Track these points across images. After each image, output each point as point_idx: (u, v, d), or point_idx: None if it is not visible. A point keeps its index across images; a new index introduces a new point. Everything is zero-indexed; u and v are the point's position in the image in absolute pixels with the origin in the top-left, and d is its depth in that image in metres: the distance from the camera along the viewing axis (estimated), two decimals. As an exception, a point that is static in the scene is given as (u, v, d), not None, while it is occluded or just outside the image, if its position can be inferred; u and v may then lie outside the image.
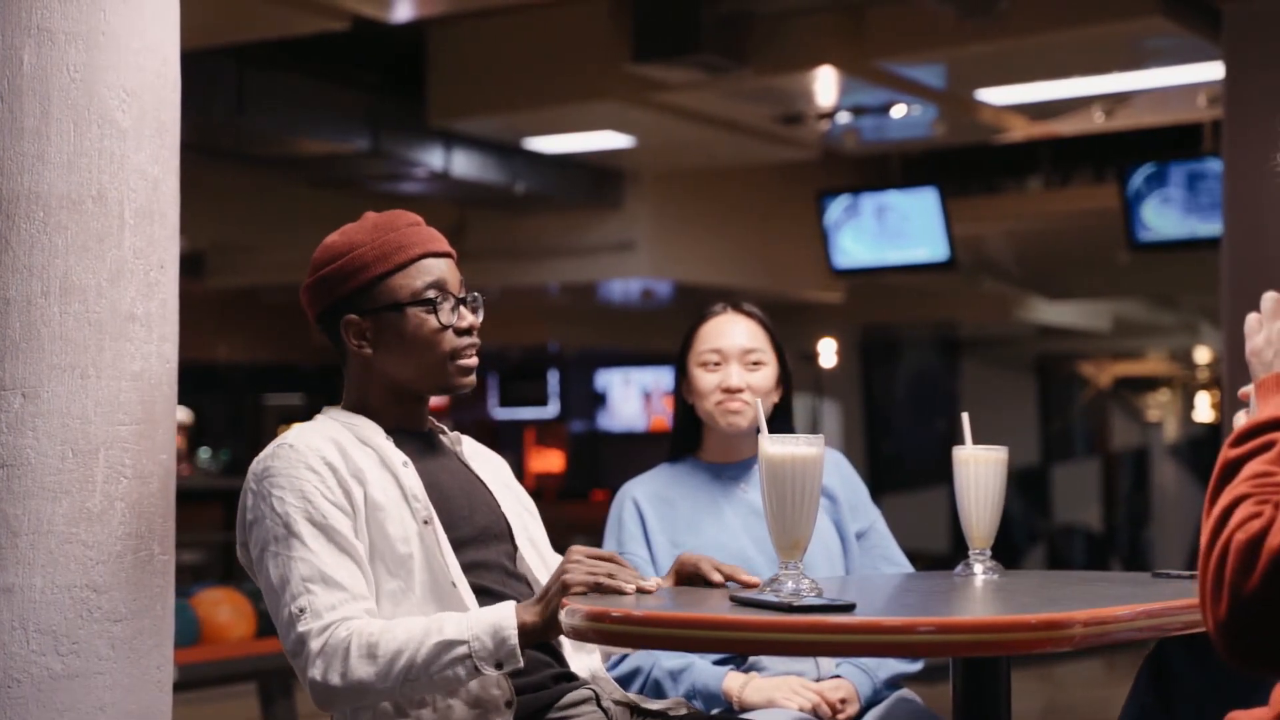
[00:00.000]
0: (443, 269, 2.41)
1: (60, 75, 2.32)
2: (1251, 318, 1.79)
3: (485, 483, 2.48)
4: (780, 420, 2.94)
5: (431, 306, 2.38)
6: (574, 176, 10.19)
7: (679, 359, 2.96)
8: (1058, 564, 15.98)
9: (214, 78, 7.99)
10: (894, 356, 16.43)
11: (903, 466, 15.40)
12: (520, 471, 16.62)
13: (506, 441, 17.43)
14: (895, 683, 2.82)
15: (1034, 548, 16.59)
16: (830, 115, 8.63)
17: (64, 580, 2.28)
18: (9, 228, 2.28)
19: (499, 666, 2.14)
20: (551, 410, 17.27)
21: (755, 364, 2.89)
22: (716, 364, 2.89)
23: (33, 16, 2.31)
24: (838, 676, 2.75)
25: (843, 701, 2.70)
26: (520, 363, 16.95)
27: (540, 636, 2.16)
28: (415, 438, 2.44)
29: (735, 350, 2.89)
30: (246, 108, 8.17)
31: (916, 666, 2.89)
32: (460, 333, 2.40)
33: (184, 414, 12.13)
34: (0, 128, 2.29)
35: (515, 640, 2.13)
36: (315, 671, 2.17)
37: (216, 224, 11.28)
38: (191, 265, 12.56)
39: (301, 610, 2.19)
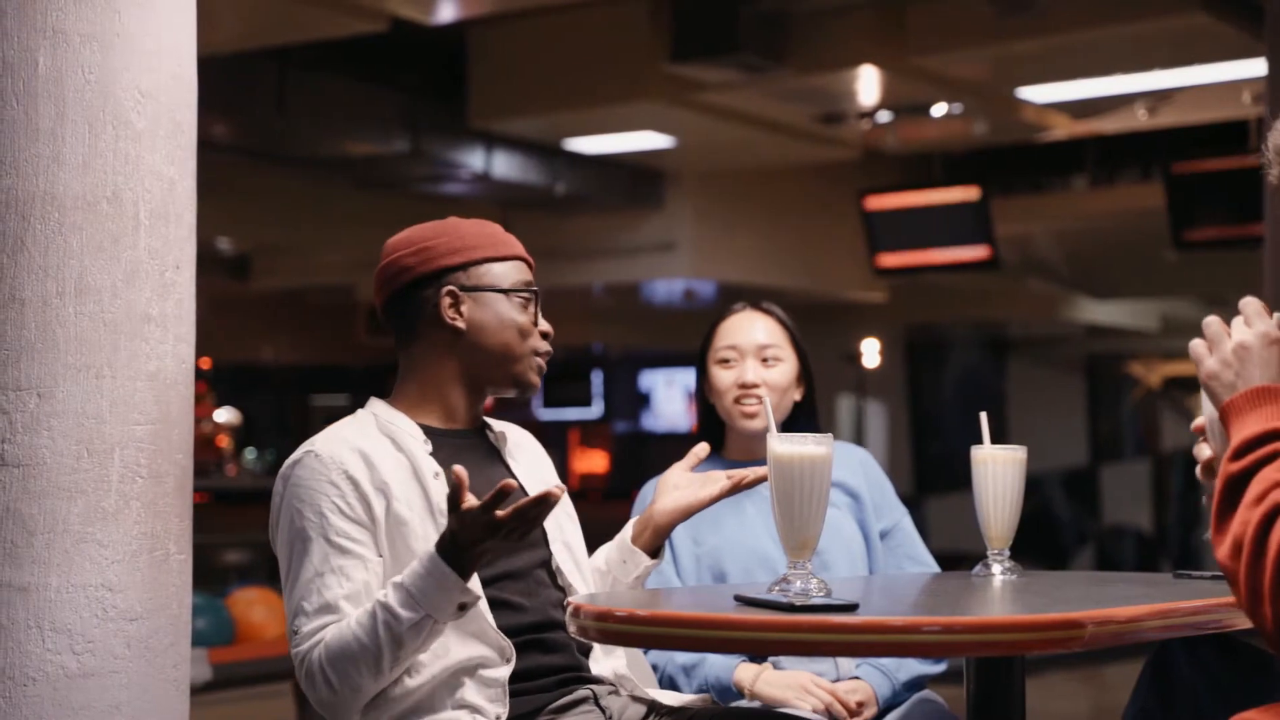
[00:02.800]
0: (533, 281, 2.49)
1: (75, 77, 2.33)
2: (1197, 344, 1.81)
3: (524, 486, 2.47)
4: (804, 420, 2.92)
5: (532, 300, 2.43)
6: (615, 177, 10.20)
7: (699, 358, 2.96)
8: (1106, 565, 15.88)
9: (254, 80, 8.04)
10: (940, 356, 16.36)
11: (949, 467, 15.32)
12: (564, 472, 16.64)
13: (551, 442, 17.42)
14: (917, 684, 2.80)
15: (1083, 549, 16.49)
16: (871, 114, 8.60)
17: (79, 579, 2.29)
18: (24, 229, 2.29)
19: (463, 608, 2.17)
20: (595, 411, 17.28)
21: (772, 360, 2.88)
22: (733, 361, 2.88)
23: (47, 18, 2.32)
24: (857, 678, 2.73)
25: (860, 705, 2.68)
26: (564, 364, 16.96)
27: (470, 562, 2.15)
28: (461, 437, 2.43)
29: (751, 346, 2.88)
30: (287, 110, 8.22)
31: (939, 668, 2.86)
32: (544, 336, 2.45)
33: (231, 415, 12.22)
34: (15, 129, 2.30)
35: (465, 586, 2.15)
36: (309, 692, 2.24)
37: (260, 226, 11.34)
38: (237, 267, 12.63)
39: (294, 632, 2.27)
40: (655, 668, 2.73)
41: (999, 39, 7.38)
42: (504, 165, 9.34)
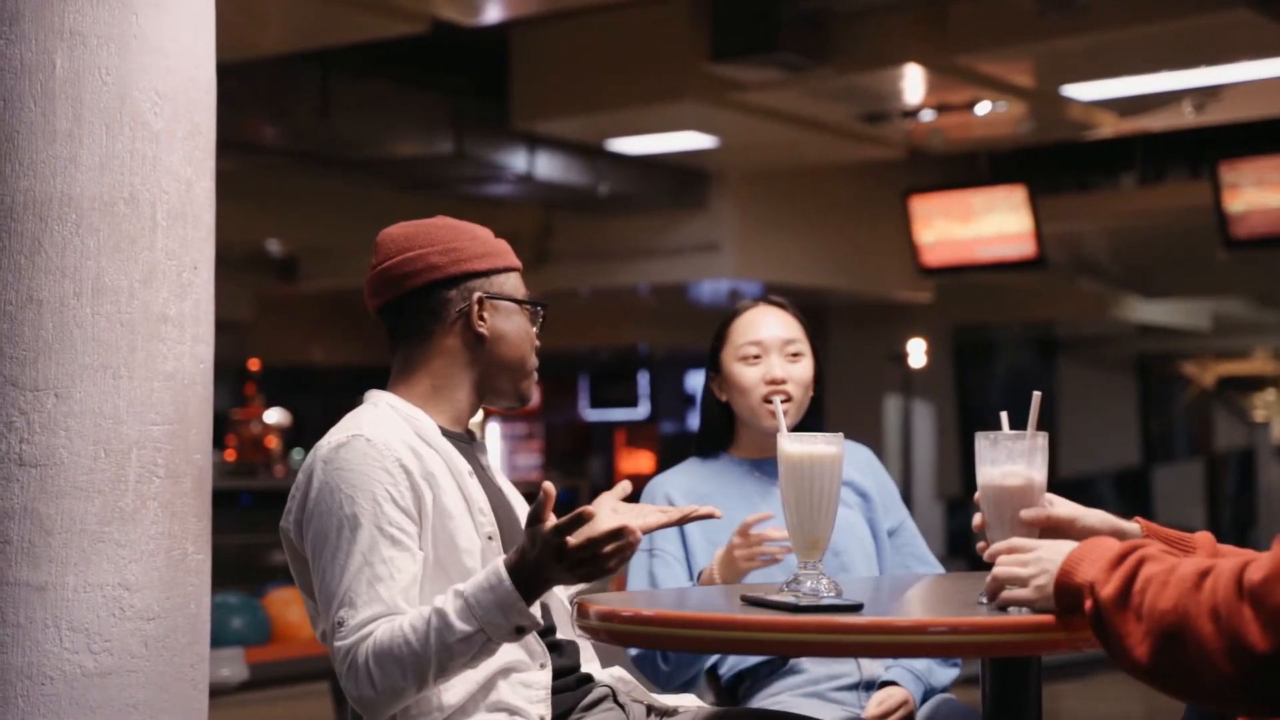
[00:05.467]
0: None
1: (92, 78, 2.34)
2: (1006, 595, 1.88)
3: (506, 494, 2.46)
4: (811, 417, 2.87)
5: (540, 316, 2.44)
6: (658, 177, 10.19)
7: (711, 356, 2.90)
8: (1158, 567, 15.74)
9: (299, 83, 8.08)
10: (988, 356, 16.26)
11: (998, 468, 15.19)
12: (610, 472, 16.66)
13: (597, 442, 17.46)
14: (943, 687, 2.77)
15: (1134, 550, 16.35)
16: (914, 113, 8.56)
17: (96, 579, 2.30)
18: (42, 230, 2.31)
19: (520, 631, 2.11)
20: (642, 411, 17.28)
21: (795, 355, 2.83)
22: (756, 357, 2.81)
23: (65, 20, 2.33)
24: (890, 682, 2.69)
25: (903, 704, 2.65)
26: (610, 364, 16.97)
27: (541, 592, 2.10)
28: (463, 441, 2.41)
29: (775, 341, 2.82)
30: (332, 112, 8.26)
31: (954, 671, 2.83)
32: (538, 353, 2.44)
33: (281, 416, 12.29)
34: (33, 131, 2.31)
35: (525, 609, 2.09)
36: (349, 688, 2.17)
37: (307, 228, 11.41)
38: (284, 269, 12.70)
39: (340, 624, 2.18)
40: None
41: (1042, 37, 7.33)
42: (547, 166, 9.36)
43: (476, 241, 2.42)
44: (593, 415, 17.45)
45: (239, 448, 11.80)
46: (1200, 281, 13.57)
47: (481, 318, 2.38)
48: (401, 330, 2.43)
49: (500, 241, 2.46)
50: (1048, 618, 1.83)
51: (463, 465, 2.32)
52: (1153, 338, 16.01)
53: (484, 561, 2.26)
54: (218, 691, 6.01)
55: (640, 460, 17.22)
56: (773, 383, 2.79)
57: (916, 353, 12.90)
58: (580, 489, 11.01)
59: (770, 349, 2.82)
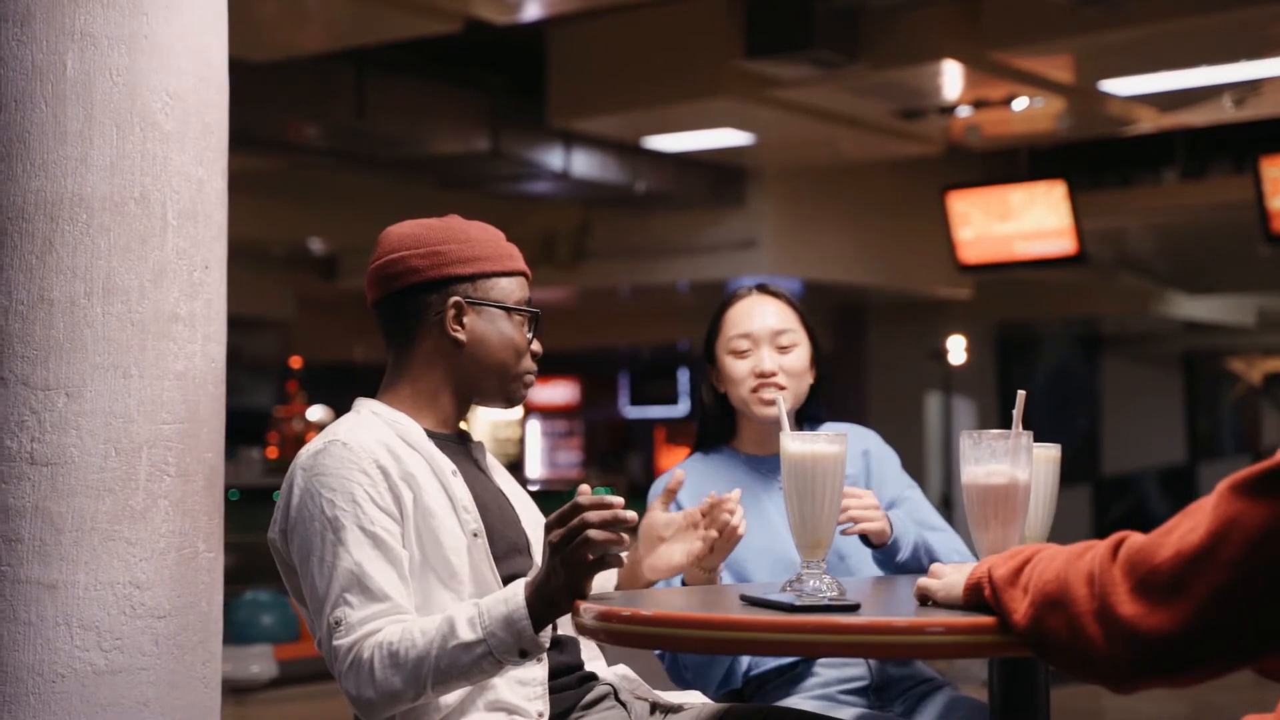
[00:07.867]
0: (531, 299, 2.45)
1: (103, 79, 2.35)
2: (922, 583, 1.93)
3: (506, 494, 2.45)
4: (810, 406, 2.83)
5: (533, 322, 2.41)
6: (695, 174, 10.19)
7: (706, 346, 2.85)
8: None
9: (335, 83, 8.11)
10: (1030, 353, 16.17)
11: (1041, 465, 15.10)
12: (650, 469, 16.66)
13: (637, 440, 17.46)
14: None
15: (1180, 549, 16.20)
16: (951, 109, 8.53)
17: (107, 577, 2.31)
18: (52, 230, 2.32)
19: (524, 655, 2.10)
20: (682, 408, 17.28)
21: (787, 346, 2.77)
22: (747, 349, 2.76)
23: (75, 21, 2.34)
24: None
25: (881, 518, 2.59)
26: (650, 361, 16.96)
27: (554, 615, 2.10)
28: (453, 443, 2.41)
29: (765, 333, 2.76)
30: (367, 111, 8.29)
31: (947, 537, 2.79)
32: (535, 358, 2.42)
33: (323, 413, 12.35)
34: (44, 132, 2.33)
35: (531, 630, 2.08)
36: (349, 686, 2.16)
37: (348, 226, 11.45)
38: (324, 267, 12.76)
39: (337, 623, 2.17)
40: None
41: (1080, 31, 7.29)
42: (583, 164, 9.37)
43: (468, 244, 2.38)
44: (633, 412, 17.44)
45: (280, 445, 11.84)
46: (1245, 277, 13.46)
47: (460, 323, 2.36)
48: (389, 330, 2.44)
49: (502, 245, 2.42)
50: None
51: (446, 465, 2.31)
52: (1198, 334, 15.89)
53: (470, 558, 2.26)
54: (247, 688, 6.05)
55: (680, 457, 17.19)
56: (761, 376, 2.75)
57: (956, 349, 12.83)
58: (619, 486, 11.01)
59: (761, 341, 2.77)
